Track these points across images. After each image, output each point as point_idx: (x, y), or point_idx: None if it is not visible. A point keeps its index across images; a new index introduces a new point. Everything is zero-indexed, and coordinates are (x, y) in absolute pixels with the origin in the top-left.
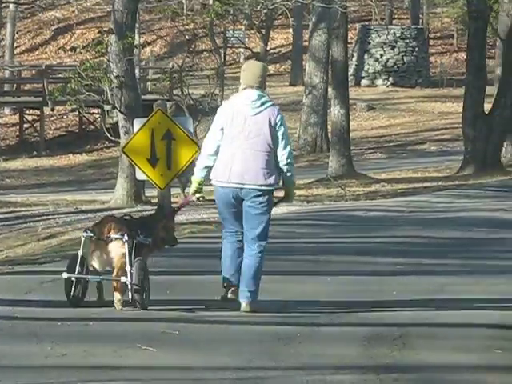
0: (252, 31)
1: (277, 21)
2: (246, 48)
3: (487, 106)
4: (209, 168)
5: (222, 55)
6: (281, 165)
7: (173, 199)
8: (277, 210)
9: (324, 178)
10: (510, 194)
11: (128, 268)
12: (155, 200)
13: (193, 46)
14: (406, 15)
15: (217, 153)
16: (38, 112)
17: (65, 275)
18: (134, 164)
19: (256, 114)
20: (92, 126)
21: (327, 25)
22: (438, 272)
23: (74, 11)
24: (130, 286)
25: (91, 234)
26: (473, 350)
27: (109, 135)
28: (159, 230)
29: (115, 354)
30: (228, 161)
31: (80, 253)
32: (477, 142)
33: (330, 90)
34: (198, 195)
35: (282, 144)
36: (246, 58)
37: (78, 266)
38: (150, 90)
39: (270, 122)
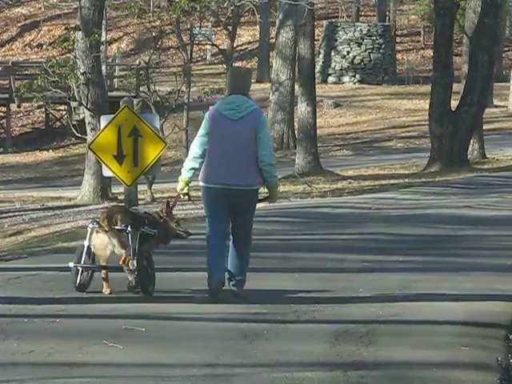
0: (219, 28)
1: (244, 18)
2: (212, 45)
3: (454, 104)
4: (195, 169)
5: (189, 52)
6: (261, 165)
7: (140, 196)
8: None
9: (291, 174)
10: (477, 191)
11: (131, 258)
12: (122, 197)
13: (159, 43)
14: (373, 12)
15: (203, 156)
16: (4, 109)
17: (71, 264)
18: (101, 161)
19: (240, 117)
20: (58, 123)
21: (294, 22)
22: (405, 269)
23: (40, 8)
24: (130, 278)
25: (97, 226)
26: (439, 347)
27: (75, 132)
28: (167, 224)
29: (82, 350)
30: (215, 163)
31: (86, 243)
32: (443, 139)
33: (296, 86)
34: (184, 192)
35: (261, 146)
36: (213, 55)
37: (84, 256)
38: (116, 86)
39: (253, 126)
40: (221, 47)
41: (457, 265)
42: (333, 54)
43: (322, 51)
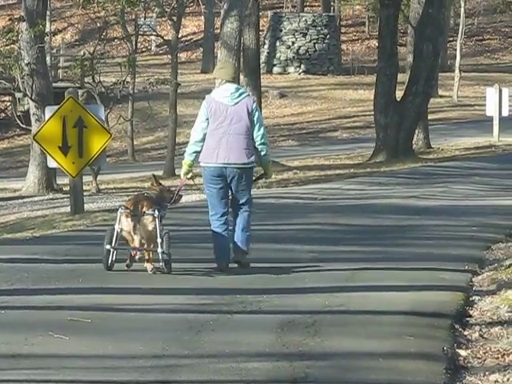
0: (163, 19)
1: (188, 8)
2: (157, 35)
3: (399, 94)
4: (197, 153)
5: (134, 43)
6: (256, 144)
7: (85, 187)
8: (188, 198)
9: None
10: (422, 181)
11: (159, 239)
12: (67, 188)
13: (104, 34)
14: (318, 2)
15: (203, 140)
16: None
17: (108, 247)
18: (46, 152)
19: (236, 103)
20: (3, 114)
21: (239, 12)
22: (351, 259)
23: None
24: (160, 256)
25: (127, 211)
26: (385, 337)
27: (20, 123)
28: (167, 198)
29: (27, 342)
30: (215, 145)
31: (116, 227)
32: (388, 129)
33: (241, 77)
34: (188, 176)
35: (257, 127)
36: (158, 46)
37: (114, 239)
38: (61, 77)
39: (247, 110)
40: (165, 38)
41: (402, 255)
42: (278, 44)
43: (267, 42)
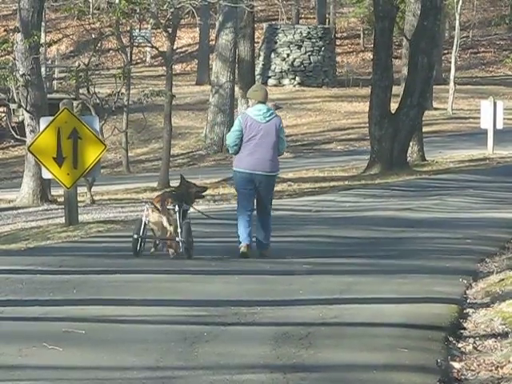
0: (158, 30)
1: (183, 20)
2: (152, 47)
3: (394, 106)
4: (237, 145)
5: (129, 54)
6: (278, 154)
7: (79, 198)
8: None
9: (231, 177)
10: (416, 193)
11: (179, 230)
12: (61, 199)
13: (99, 45)
14: (313, 15)
15: (238, 144)
16: None
17: (135, 236)
18: (40, 163)
19: (267, 121)
20: None
21: (234, 24)
22: (345, 271)
23: None
24: (181, 244)
25: (153, 206)
26: (379, 349)
27: (14, 134)
28: (192, 194)
29: (21, 353)
30: (247, 153)
31: (144, 219)
32: (383, 141)
33: (236, 89)
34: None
35: (281, 142)
36: (152, 57)
37: (142, 229)
38: (56, 88)
39: (276, 127)
40: (160, 49)
41: (396, 267)
42: (273, 56)
43: (261, 53)
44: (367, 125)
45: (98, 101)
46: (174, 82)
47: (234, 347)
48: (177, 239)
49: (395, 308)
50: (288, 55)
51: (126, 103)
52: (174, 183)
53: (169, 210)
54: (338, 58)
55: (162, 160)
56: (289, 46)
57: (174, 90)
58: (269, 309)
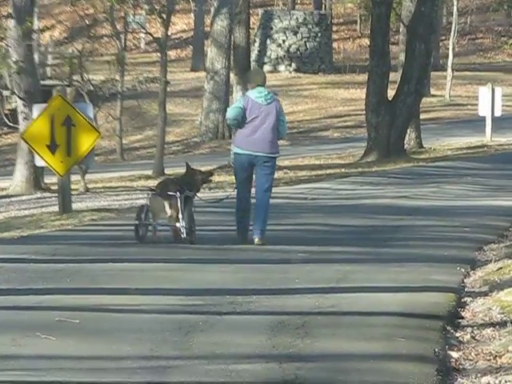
0: (153, 16)
1: (178, 6)
2: (146, 33)
3: (391, 93)
4: (237, 120)
5: (123, 40)
6: (279, 136)
7: (73, 186)
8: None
9: (226, 164)
10: (414, 181)
11: (180, 215)
12: (55, 187)
13: (93, 31)
14: (309, 0)
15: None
16: None
17: (136, 222)
18: (34, 150)
19: (268, 103)
20: None
21: (229, 10)
22: (342, 260)
23: None
24: (182, 229)
25: (155, 192)
26: (376, 339)
27: (7, 121)
28: (198, 181)
29: (14, 342)
30: (248, 133)
31: (145, 205)
32: (380, 128)
33: (232, 75)
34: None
35: (282, 125)
36: (147, 44)
37: (143, 215)
38: (49, 75)
39: (276, 109)
40: (155, 35)
41: (394, 255)
42: (268, 42)
43: (257, 40)
44: (364, 112)
45: (91, 88)
46: (168, 69)
47: (229, 336)
48: (177, 225)
49: (392, 297)
50: (284, 41)
51: (120, 90)
52: (169, 171)
53: (170, 195)
54: (335, 44)
55: (157, 147)
56: (285, 32)
57: (169, 77)
58: (265, 298)
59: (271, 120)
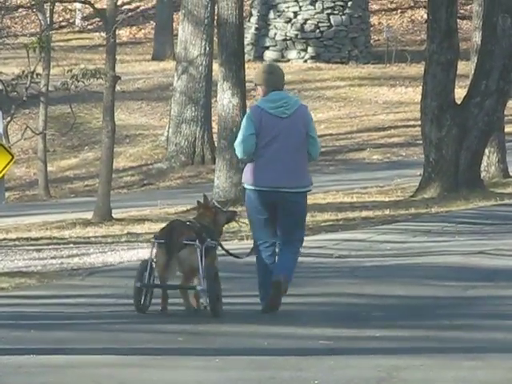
0: None
1: None
2: (84, 3)
3: (460, 93)
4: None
5: (48, 13)
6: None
7: None
8: None
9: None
10: (495, 228)
11: (201, 274)
12: None
13: (2, 1)
14: None
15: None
16: None
17: (138, 284)
18: None
19: (290, 115)
20: None
21: None
22: (384, 350)
23: None
24: (202, 294)
25: (162, 241)
26: None
27: None
28: (221, 222)
29: None
30: (265, 163)
31: (150, 260)
32: (444, 147)
33: (215, 66)
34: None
35: (312, 143)
36: (85, 19)
37: (147, 274)
38: None
39: (303, 122)
40: (97, 6)
41: (465, 343)
42: (272, 16)
43: (254, 12)
44: (419, 122)
45: (1, 86)
46: (118, 57)
47: None
48: (198, 288)
49: None
50: (295, 14)
51: (43, 90)
52: (118, 213)
53: (186, 244)
54: (374, 19)
55: (100, 178)
56: (297, 1)
57: (119, 69)
58: None
59: (297, 139)
